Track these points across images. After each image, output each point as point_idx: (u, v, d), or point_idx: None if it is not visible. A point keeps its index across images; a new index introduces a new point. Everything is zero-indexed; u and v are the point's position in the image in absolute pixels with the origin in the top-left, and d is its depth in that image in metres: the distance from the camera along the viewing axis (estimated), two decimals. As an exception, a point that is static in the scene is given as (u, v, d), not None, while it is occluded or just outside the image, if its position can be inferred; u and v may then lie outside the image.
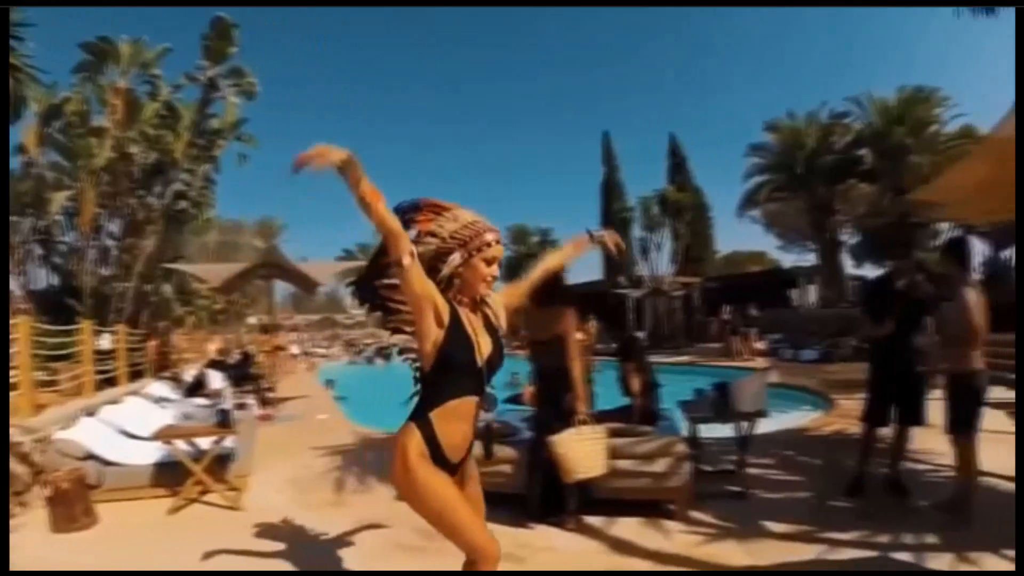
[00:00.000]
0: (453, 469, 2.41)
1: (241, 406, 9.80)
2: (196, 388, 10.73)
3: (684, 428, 5.68)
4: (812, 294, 30.62)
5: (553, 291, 4.66)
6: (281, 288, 26.37)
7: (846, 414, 8.49)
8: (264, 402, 11.68)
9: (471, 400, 2.39)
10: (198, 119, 17.63)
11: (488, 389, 2.49)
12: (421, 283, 2.24)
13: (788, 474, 6.06)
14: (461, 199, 2.54)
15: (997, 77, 53.89)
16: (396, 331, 2.70)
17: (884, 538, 4.32)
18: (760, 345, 20.64)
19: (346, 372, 22.63)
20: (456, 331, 2.33)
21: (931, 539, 4.26)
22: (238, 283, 15.70)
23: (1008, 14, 7.96)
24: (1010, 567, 3.80)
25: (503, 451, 5.15)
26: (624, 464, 4.83)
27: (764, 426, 6.38)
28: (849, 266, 30.46)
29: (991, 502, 4.85)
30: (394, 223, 2.15)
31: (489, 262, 2.46)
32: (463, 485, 2.48)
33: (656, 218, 28.11)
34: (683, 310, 28.04)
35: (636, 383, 5.62)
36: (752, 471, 5.80)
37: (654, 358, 17.08)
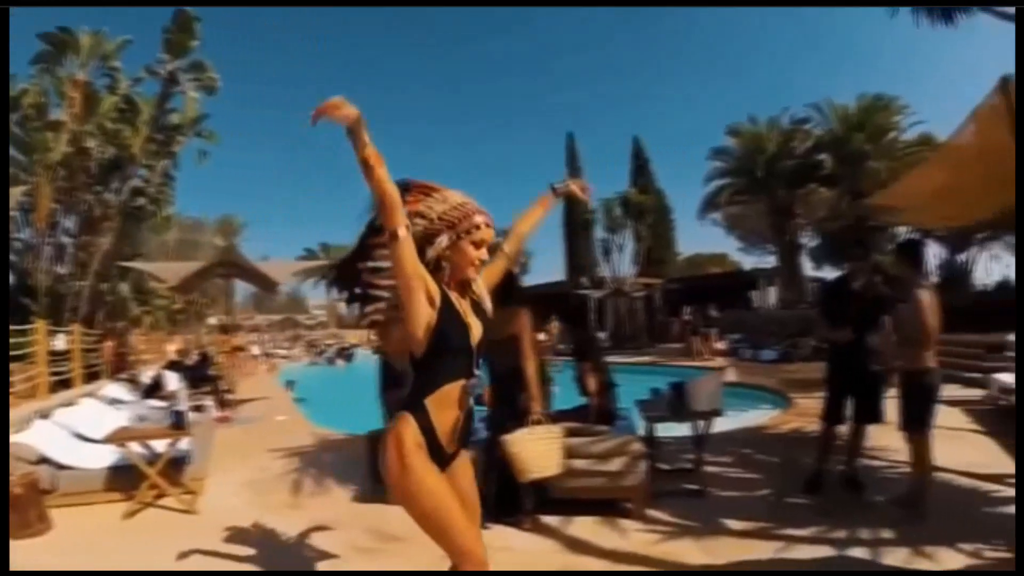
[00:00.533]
0: (447, 460, 2.35)
1: (199, 408, 9.70)
2: (154, 390, 10.60)
3: (641, 427, 5.72)
4: (772, 295, 31.10)
5: (507, 291, 4.68)
6: (243, 288, 26.13)
7: (804, 412, 8.64)
8: (222, 404, 11.51)
9: (462, 383, 2.33)
10: (157, 114, 17.39)
11: (476, 372, 2.41)
12: (414, 260, 2.18)
13: (746, 472, 6.14)
14: None
15: (955, 86, 55.46)
16: (373, 324, 2.61)
17: (841, 534, 4.38)
18: (720, 345, 20.89)
19: (307, 373, 22.43)
20: (449, 312, 2.29)
21: (887, 534, 4.32)
22: (196, 282, 15.50)
23: (967, 23, 8.20)
24: (966, 561, 3.88)
25: None
26: (580, 463, 4.84)
27: (723, 424, 6.47)
28: (809, 268, 30.96)
29: (946, 497, 4.96)
30: (393, 191, 2.10)
31: (478, 245, 2.40)
32: (455, 478, 2.39)
33: (618, 220, 28.33)
34: (645, 311, 28.26)
35: (592, 383, 5.64)
36: (710, 469, 5.86)
37: (616, 358, 17.13)
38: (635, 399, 6.11)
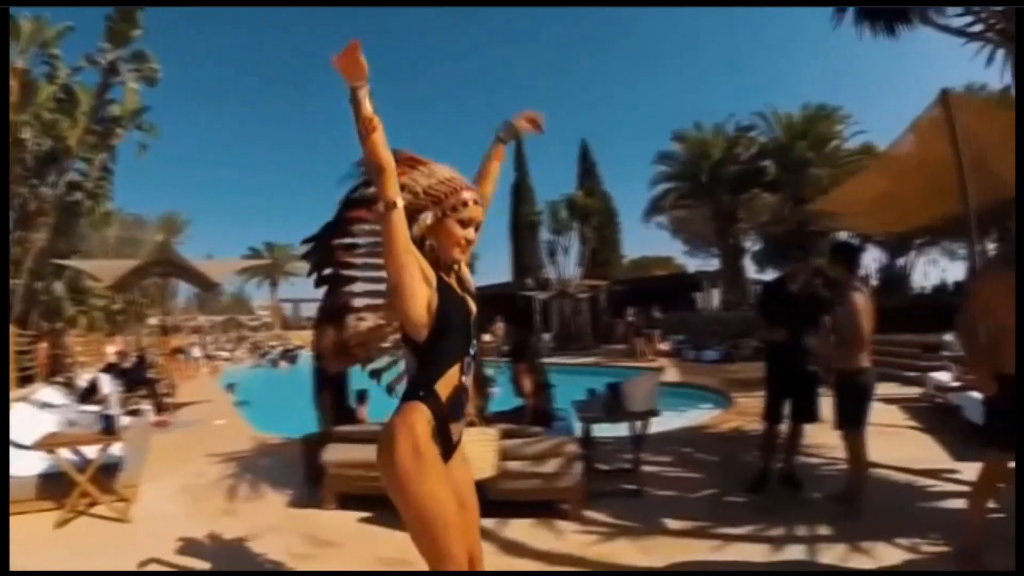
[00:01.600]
0: (452, 449, 2.26)
1: (136, 412, 9.45)
2: (90, 393, 10.28)
3: (578, 428, 5.74)
4: (715, 297, 31.66)
5: None
6: (186, 288, 25.58)
7: (744, 411, 8.80)
8: (160, 407, 11.27)
9: (461, 363, 2.22)
10: (97, 105, 16.90)
11: (472, 349, 2.29)
12: (407, 236, 2.05)
13: (686, 471, 6.20)
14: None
15: (896, 97, 57.08)
16: (344, 309, 2.53)
17: (779, 531, 4.45)
18: (664, 346, 21.07)
19: (250, 375, 22.01)
20: (447, 289, 2.18)
21: (825, 531, 4.39)
22: (132, 281, 15.15)
23: (908, 36, 8.41)
24: (903, 556, 3.96)
25: None
26: (515, 465, 4.85)
27: (664, 424, 6.54)
28: (752, 271, 31.61)
29: (883, 493, 5.08)
30: (389, 159, 1.99)
31: (464, 223, 2.26)
32: (453, 466, 2.27)
33: (564, 222, 28.43)
34: (590, 312, 28.43)
35: (528, 384, 5.64)
36: (650, 469, 5.92)
37: (561, 359, 17.24)
38: (572, 400, 6.12)
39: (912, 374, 11.23)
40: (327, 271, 2.50)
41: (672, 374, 15.25)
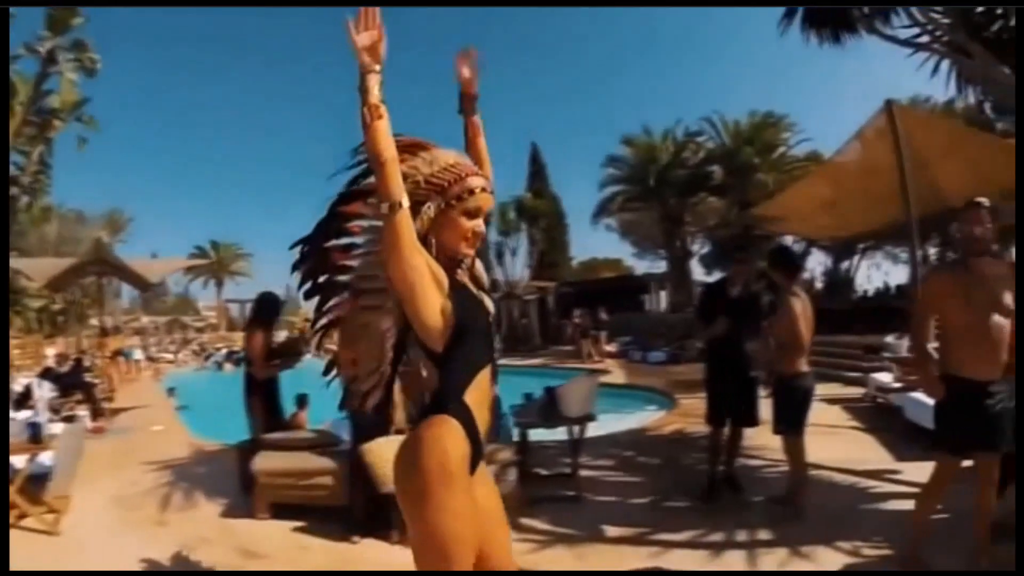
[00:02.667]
0: (477, 463, 1.94)
1: (71, 418, 9.09)
2: (25, 399, 9.87)
3: (515, 433, 5.66)
4: (663, 299, 31.98)
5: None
6: (131, 287, 24.81)
7: (688, 413, 8.76)
8: (97, 413, 10.87)
9: (488, 368, 1.98)
10: (35, 95, 16.29)
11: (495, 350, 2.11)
12: (414, 236, 1.81)
13: (626, 475, 6.17)
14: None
15: (842, 106, 58.46)
16: (331, 324, 2.19)
17: (718, 536, 4.42)
18: (610, 347, 21.14)
19: (193, 379, 21.57)
20: (461, 291, 1.93)
21: (765, 535, 4.39)
22: (68, 280, 14.70)
23: (854, 46, 8.51)
24: (845, 560, 3.96)
25: (325, 461, 5.00)
26: None
27: (606, 427, 6.50)
28: (699, 273, 31.99)
29: (825, 495, 5.10)
30: (391, 150, 1.77)
31: (471, 214, 1.97)
32: (477, 480, 1.95)
33: (512, 223, 28.48)
34: (538, 313, 28.46)
35: None
36: (590, 473, 5.87)
37: (509, 361, 17.12)
38: (511, 405, 6.02)
39: (854, 375, 11.44)
40: (322, 278, 2.18)
41: (618, 375, 15.31)
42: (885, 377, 9.08)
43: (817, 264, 31.17)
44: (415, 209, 1.88)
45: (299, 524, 4.86)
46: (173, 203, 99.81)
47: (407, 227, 1.78)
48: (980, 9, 7.34)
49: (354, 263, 2.14)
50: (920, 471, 5.13)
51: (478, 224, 2.00)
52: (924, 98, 23.28)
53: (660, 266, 35.57)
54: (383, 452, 4.06)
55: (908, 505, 4.63)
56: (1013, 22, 6.89)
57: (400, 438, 4.17)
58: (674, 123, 29.95)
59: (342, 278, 2.17)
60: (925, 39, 7.97)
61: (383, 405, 2.49)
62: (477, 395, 1.91)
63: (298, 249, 2.21)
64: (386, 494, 4.27)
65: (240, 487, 5.62)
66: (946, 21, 7.24)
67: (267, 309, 6.04)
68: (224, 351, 28.30)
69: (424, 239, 1.90)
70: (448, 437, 1.79)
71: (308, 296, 2.22)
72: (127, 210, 45.58)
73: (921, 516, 3.78)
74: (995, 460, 3.56)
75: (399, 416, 4.34)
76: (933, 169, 10.30)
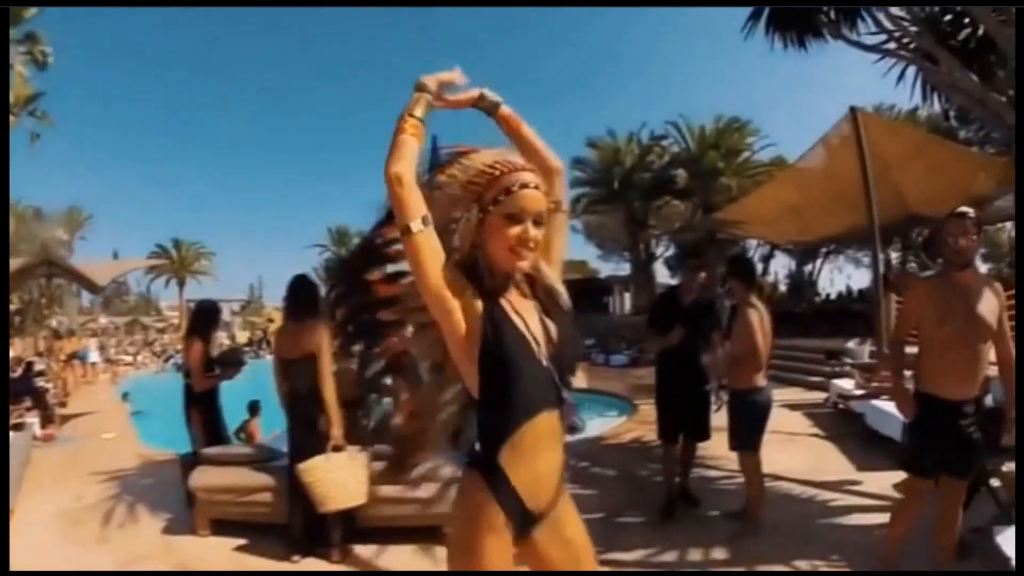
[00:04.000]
0: (537, 519, 1.74)
1: (19, 426, 8.79)
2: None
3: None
4: (627, 301, 32.08)
5: (304, 303, 4.39)
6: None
7: (647, 419, 8.61)
8: (47, 420, 10.45)
9: (548, 417, 1.67)
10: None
11: (565, 395, 1.70)
12: (433, 264, 1.60)
13: (580, 488, 5.95)
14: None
15: (806, 113, 59.25)
16: (395, 366, 2.03)
17: (671, 556, 4.32)
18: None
19: (152, 382, 20.96)
20: (499, 324, 1.63)
21: (720, 555, 4.29)
22: (17, 281, 14.17)
23: (821, 52, 8.50)
24: None
25: (264, 478, 4.82)
26: (388, 490, 4.53)
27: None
28: (665, 275, 32.21)
29: (783, 509, 5.01)
30: (407, 169, 1.59)
31: (514, 218, 1.63)
32: (558, 527, 1.78)
33: (476, 224, 28.30)
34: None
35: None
36: None
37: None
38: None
39: (816, 379, 11.52)
40: (364, 317, 1.98)
41: (579, 379, 15.20)
42: (846, 383, 9.08)
43: (781, 267, 31.50)
44: (455, 224, 1.71)
45: (240, 542, 4.70)
46: (136, 201, 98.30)
47: (425, 253, 1.59)
48: (948, 17, 7.36)
49: (398, 292, 1.94)
50: (881, 481, 5.15)
51: (523, 230, 1.64)
52: (888, 106, 23.59)
53: (625, 268, 35.88)
54: (320, 471, 3.92)
55: (868, 519, 4.64)
56: (981, 31, 6.91)
57: (339, 456, 4.04)
58: (639, 126, 30.10)
59: (385, 319, 1.98)
60: (892, 46, 7.97)
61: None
62: (522, 449, 1.65)
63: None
64: (331, 513, 4.13)
65: (185, 501, 5.42)
66: (914, 28, 7.25)
67: (205, 318, 5.84)
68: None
69: (475, 257, 1.69)
70: (471, 503, 1.68)
71: (354, 340, 2.14)
72: (87, 207, 44.89)
73: (895, 534, 3.69)
74: (962, 486, 3.50)
75: (336, 432, 4.21)
76: (896, 176, 10.43)
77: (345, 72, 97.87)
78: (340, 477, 4.03)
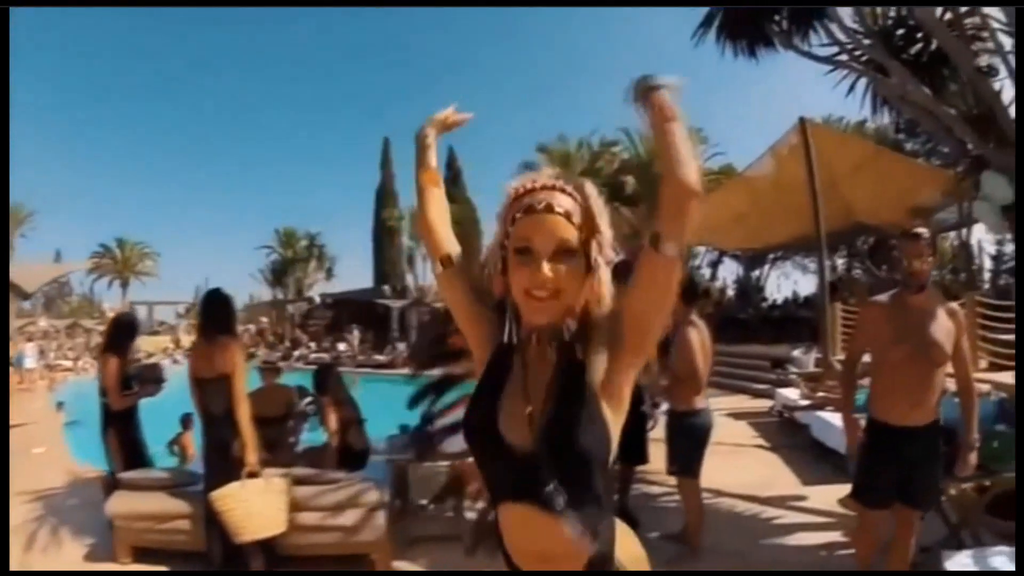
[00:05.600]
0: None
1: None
2: None
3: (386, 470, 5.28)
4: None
5: (217, 319, 4.19)
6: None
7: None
8: (-30, 433, 9.97)
9: (527, 510, 1.27)
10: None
11: (557, 497, 1.23)
12: (454, 301, 1.47)
13: None
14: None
15: (757, 121, 60.33)
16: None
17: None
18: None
19: (92, 389, 19.97)
20: (479, 390, 1.38)
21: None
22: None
23: (766, 60, 8.51)
24: None
25: (181, 504, 4.60)
26: (310, 517, 4.37)
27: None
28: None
29: (725, 529, 4.93)
30: (430, 219, 1.54)
31: (521, 252, 1.26)
32: None
33: (424, 228, 28.15)
34: (449, 321, 27.88)
35: (332, 421, 5.20)
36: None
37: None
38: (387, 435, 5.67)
39: (761, 387, 11.48)
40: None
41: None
42: (792, 393, 9.00)
43: (729, 273, 31.88)
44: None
45: (162, 568, 4.53)
46: (83, 198, 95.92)
47: (445, 290, 1.52)
48: (901, 31, 7.42)
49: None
50: (826, 496, 5.14)
51: (535, 267, 1.24)
52: (837, 117, 23.99)
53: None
54: (234, 499, 3.74)
55: (812, 538, 4.58)
56: (934, 45, 6.98)
57: (255, 482, 3.86)
58: (590, 132, 30.34)
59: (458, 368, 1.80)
60: (844, 58, 8.02)
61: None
62: (511, 528, 1.34)
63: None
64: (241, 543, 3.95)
65: (108, 524, 5.16)
66: (866, 41, 7.29)
67: (122, 333, 5.61)
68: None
69: (503, 302, 1.35)
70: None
71: (422, 397, 1.83)
72: (29, 204, 43.60)
73: (861, 556, 3.61)
74: (915, 516, 3.39)
75: (251, 458, 4.02)
76: (844, 185, 10.59)
77: (296, 75, 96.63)
78: (256, 505, 3.85)
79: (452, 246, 1.53)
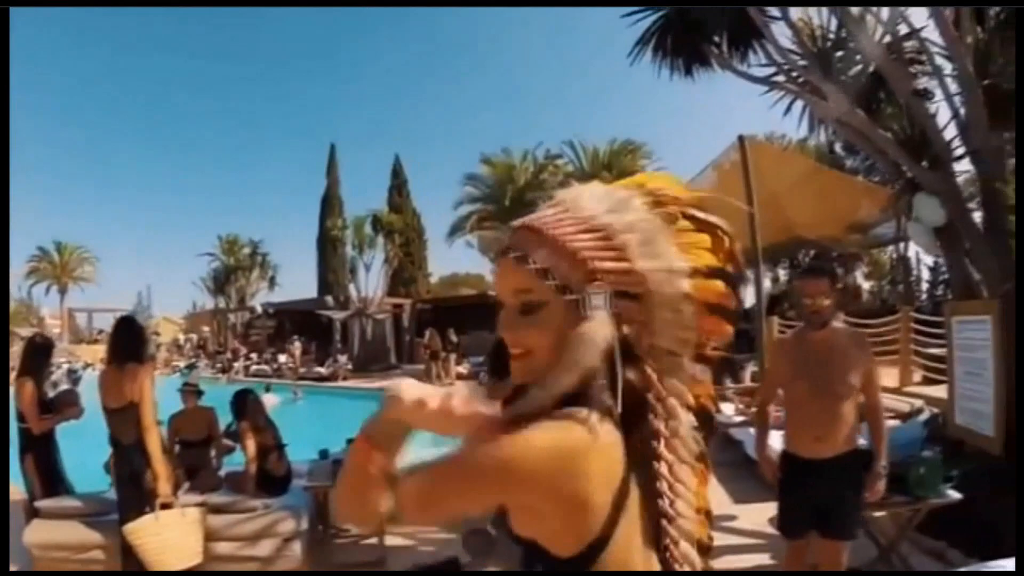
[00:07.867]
0: None
1: None
2: None
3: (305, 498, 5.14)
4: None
5: (126, 345, 4.06)
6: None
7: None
8: None
9: None
10: None
11: None
12: None
13: (443, 533, 5.36)
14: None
15: (700, 136, 61.42)
16: None
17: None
18: (462, 368, 20.93)
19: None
20: None
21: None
22: None
23: (707, 78, 8.57)
24: None
25: (97, 535, 4.41)
26: (225, 548, 4.24)
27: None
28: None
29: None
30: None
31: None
32: None
33: (368, 238, 28.28)
34: (393, 332, 28.00)
35: (251, 447, 5.06)
36: (401, 534, 5.22)
37: (359, 382, 16.46)
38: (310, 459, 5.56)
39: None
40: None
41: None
42: (726, 408, 8.88)
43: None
44: None
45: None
46: (16, 199, 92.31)
47: None
48: (840, 53, 7.51)
49: None
50: (757, 516, 5.10)
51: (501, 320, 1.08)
52: (780, 135, 24.49)
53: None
54: (147, 532, 3.60)
55: (740, 561, 4.52)
56: (872, 68, 7.08)
57: (169, 513, 3.72)
58: (535, 145, 30.57)
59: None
60: (781, 79, 8.10)
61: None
62: None
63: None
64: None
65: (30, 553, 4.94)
66: (803, 63, 7.37)
67: (37, 354, 5.39)
68: (64, 367, 26.11)
69: None
70: None
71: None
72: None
73: None
74: (836, 547, 3.35)
75: (163, 489, 3.88)
76: (784, 201, 10.74)
77: (242, 77, 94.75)
78: (171, 537, 3.71)
79: None
